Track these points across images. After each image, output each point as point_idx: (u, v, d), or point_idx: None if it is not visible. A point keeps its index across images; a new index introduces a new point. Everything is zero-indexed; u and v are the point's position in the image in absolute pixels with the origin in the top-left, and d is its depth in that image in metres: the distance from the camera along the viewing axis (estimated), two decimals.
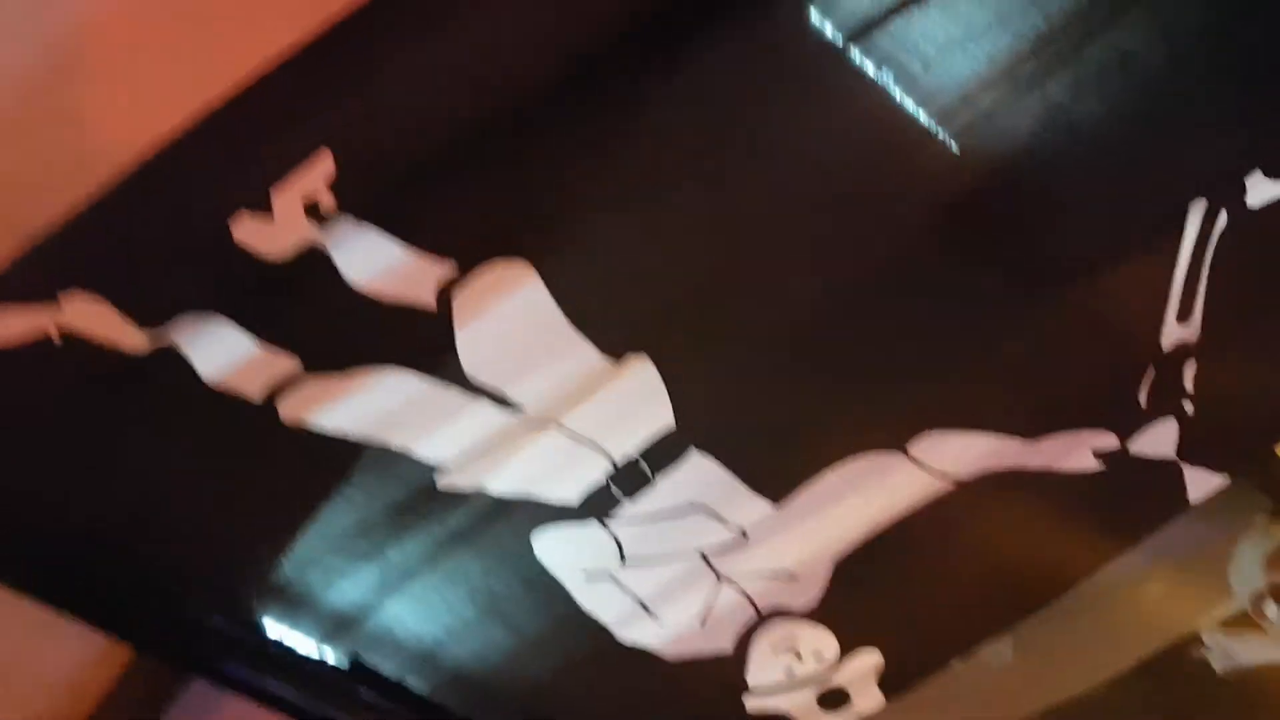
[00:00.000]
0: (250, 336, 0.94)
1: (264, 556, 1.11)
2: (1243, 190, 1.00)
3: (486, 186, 0.94)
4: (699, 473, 1.13)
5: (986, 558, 1.18)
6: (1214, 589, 1.38)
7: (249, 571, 1.12)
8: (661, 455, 1.13)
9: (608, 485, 1.12)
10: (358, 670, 1.20)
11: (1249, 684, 1.36)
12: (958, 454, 1.11)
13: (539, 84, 0.89)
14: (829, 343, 1.07)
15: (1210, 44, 0.97)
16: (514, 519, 1.10)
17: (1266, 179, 0.99)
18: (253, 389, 0.97)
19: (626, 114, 0.94)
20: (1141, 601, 1.49)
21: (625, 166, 0.97)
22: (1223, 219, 1.01)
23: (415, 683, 1.22)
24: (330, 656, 1.19)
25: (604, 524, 1.13)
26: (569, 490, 1.11)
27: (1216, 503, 1.51)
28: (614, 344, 1.05)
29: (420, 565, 1.12)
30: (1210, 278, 1.02)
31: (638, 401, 1.10)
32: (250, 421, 0.98)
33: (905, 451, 1.11)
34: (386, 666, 1.21)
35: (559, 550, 1.13)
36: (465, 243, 0.94)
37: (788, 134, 0.97)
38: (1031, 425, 1.09)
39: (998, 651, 1.53)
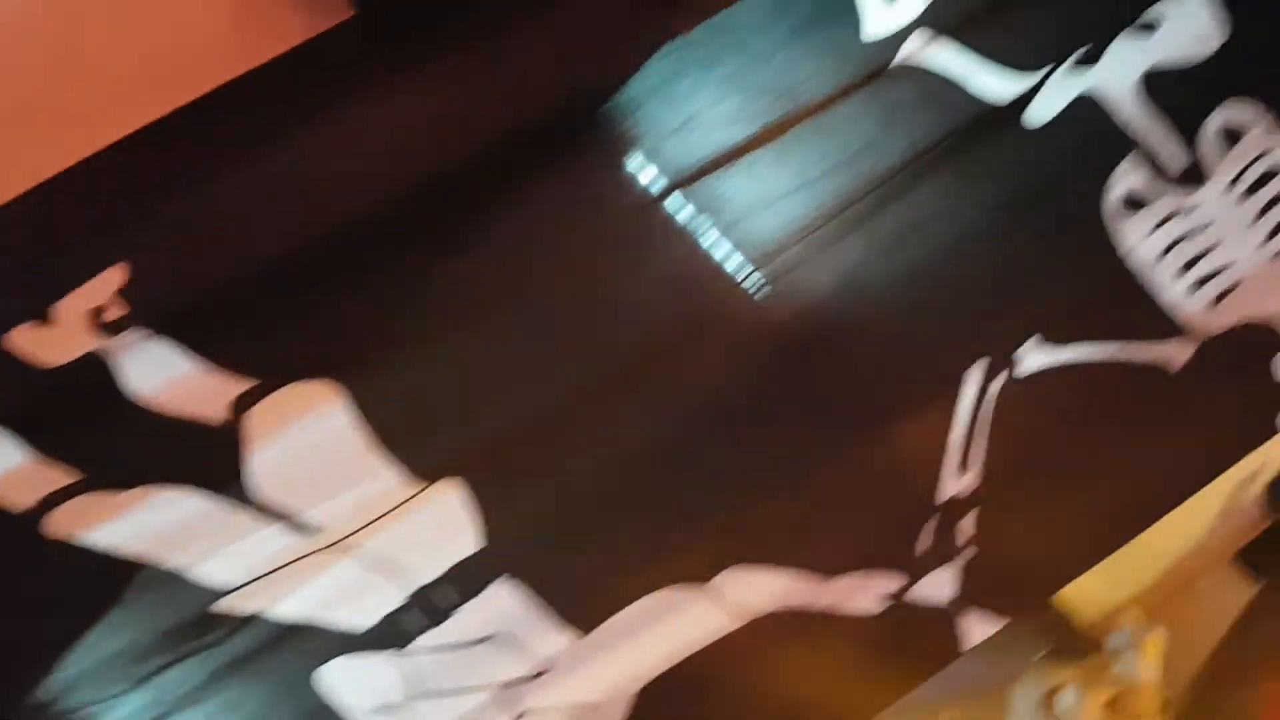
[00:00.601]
0: (23, 446, 0.89)
1: (29, 677, 1.02)
2: (1020, 353, 1.08)
3: (295, 308, 0.93)
4: (504, 601, 1.12)
5: (778, 693, 1.19)
6: None
7: (12, 693, 1.04)
8: (467, 582, 1.11)
9: (406, 612, 1.09)
10: None
11: None
12: (756, 589, 1.13)
13: (356, 219, 0.90)
14: (640, 476, 1.09)
15: (995, 219, 1.06)
16: (301, 647, 1.05)
17: (1043, 345, 1.07)
18: (21, 500, 0.91)
19: (445, 248, 0.95)
20: None
21: (442, 297, 0.98)
22: (1001, 379, 1.08)
23: None
24: None
25: (400, 653, 1.10)
26: (364, 617, 1.07)
27: (997, 642, 1.58)
28: (423, 468, 1.04)
29: (197, 692, 1.06)
30: (989, 433, 1.09)
31: (444, 526, 1.08)
32: (14, 533, 0.92)
33: (708, 585, 1.13)
34: None
35: (348, 681, 1.09)
36: (267, 361, 0.92)
37: (603, 275, 1.00)
38: (825, 564, 1.12)
39: None
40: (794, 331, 1.06)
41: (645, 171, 0.98)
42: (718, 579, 1.12)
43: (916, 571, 1.13)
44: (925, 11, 0.97)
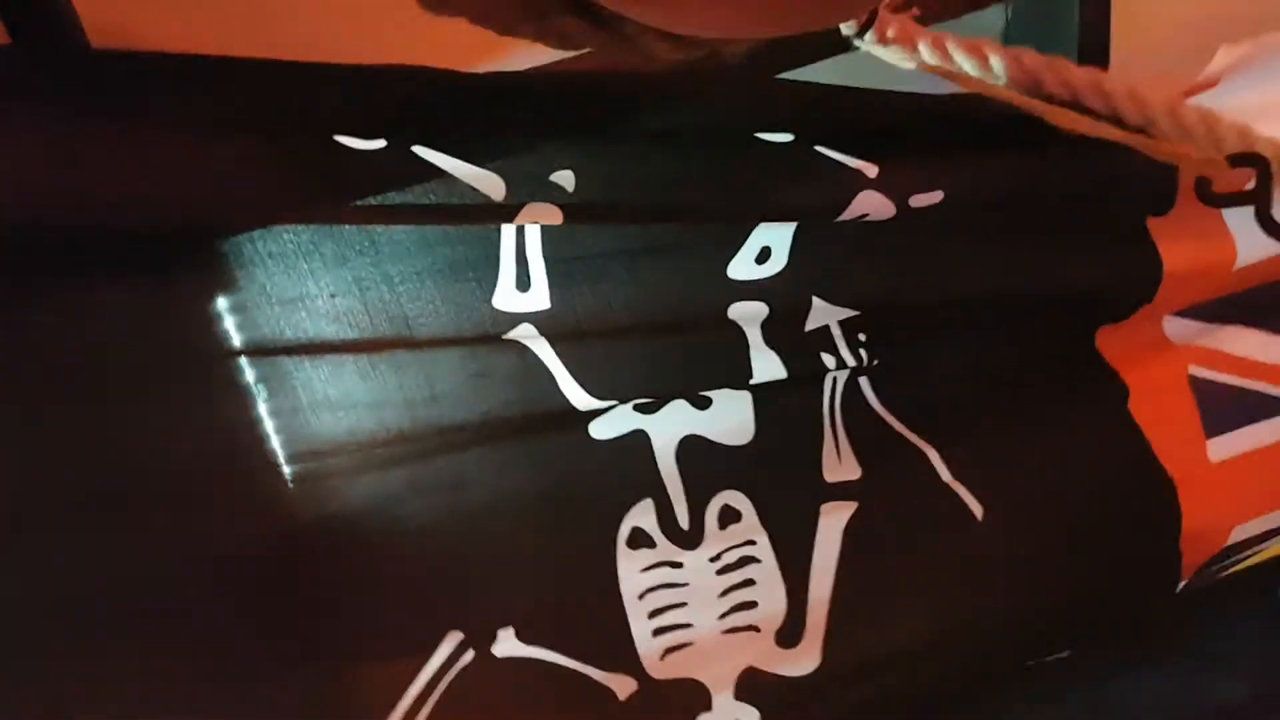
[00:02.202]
0: None
1: None
2: (494, 639, 1.12)
3: None
4: None
5: None
6: None
7: None
8: None
9: None
10: None
11: None
12: None
13: None
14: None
15: (527, 506, 1.13)
16: None
17: (516, 639, 1.12)
18: None
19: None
20: None
21: None
22: (468, 657, 1.11)
23: None
24: None
25: None
26: None
27: None
28: None
29: None
30: (437, 706, 1.10)
31: None
32: None
33: None
34: None
35: None
36: None
37: (153, 417, 0.94)
38: None
39: None
40: (302, 536, 1.04)
41: (232, 323, 0.95)
42: None
43: None
44: (543, 315, 1.05)
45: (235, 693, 1.03)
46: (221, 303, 0.93)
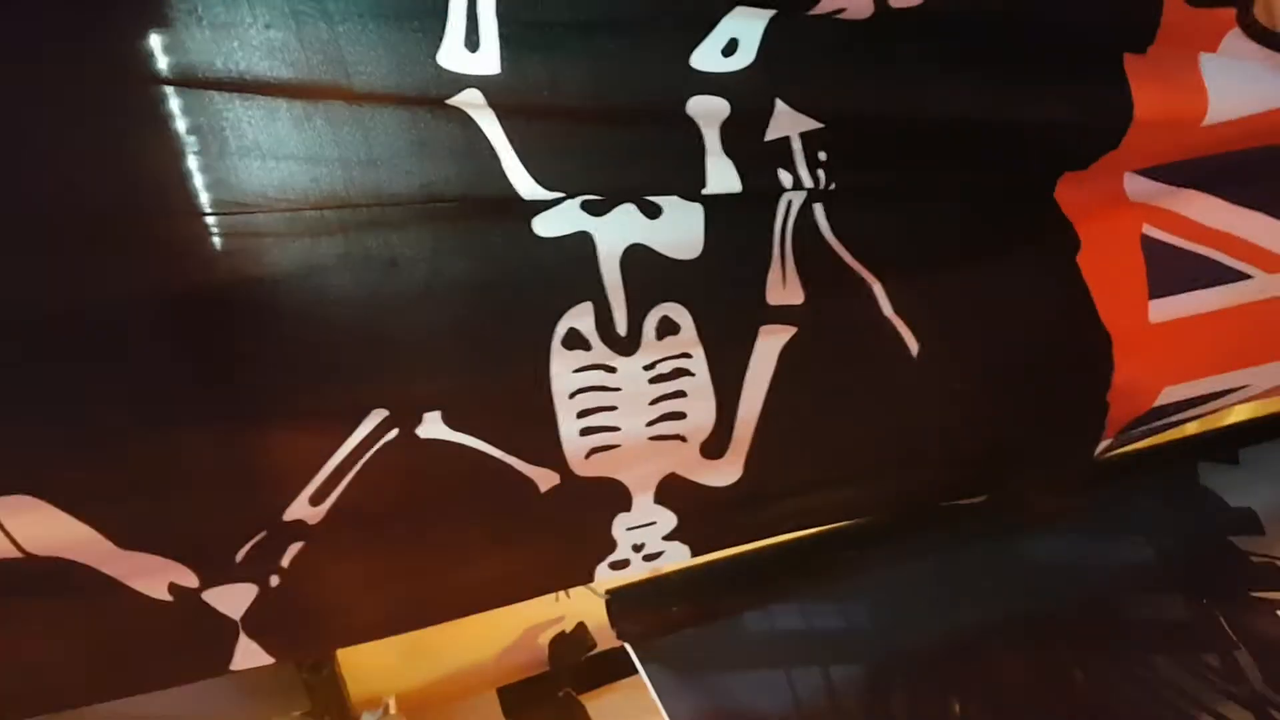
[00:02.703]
0: None
1: None
2: (419, 420, 1.11)
3: None
4: None
5: (33, 640, 1.06)
6: None
7: None
8: None
9: None
10: None
11: None
12: (49, 528, 1.01)
13: None
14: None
15: (460, 292, 1.10)
16: None
17: (442, 422, 1.11)
18: None
19: None
20: None
21: None
22: (392, 434, 1.10)
23: None
24: None
25: None
26: None
27: (264, 677, 1.55)
28: None
29: None
30: (357, 478, 1.09)
31: None
32: None
33: None
34: None
35: None
36: None
37: (75, 146, 0.90)
38: (127, 535, 1.03)
39: None
40: (230, 293, 1.01)
41: (159, 44, 0.89)
42: (5, 500, 0.98)
43: (217, 578, 1.08)
44: (491, 81, 1.00)
45: (161, 433, 1.01)
46: (149, 21, 0.86)
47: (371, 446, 1.09)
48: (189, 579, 1.07)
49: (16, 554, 1.01)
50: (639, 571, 1.27)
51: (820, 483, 1.27)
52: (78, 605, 1.06)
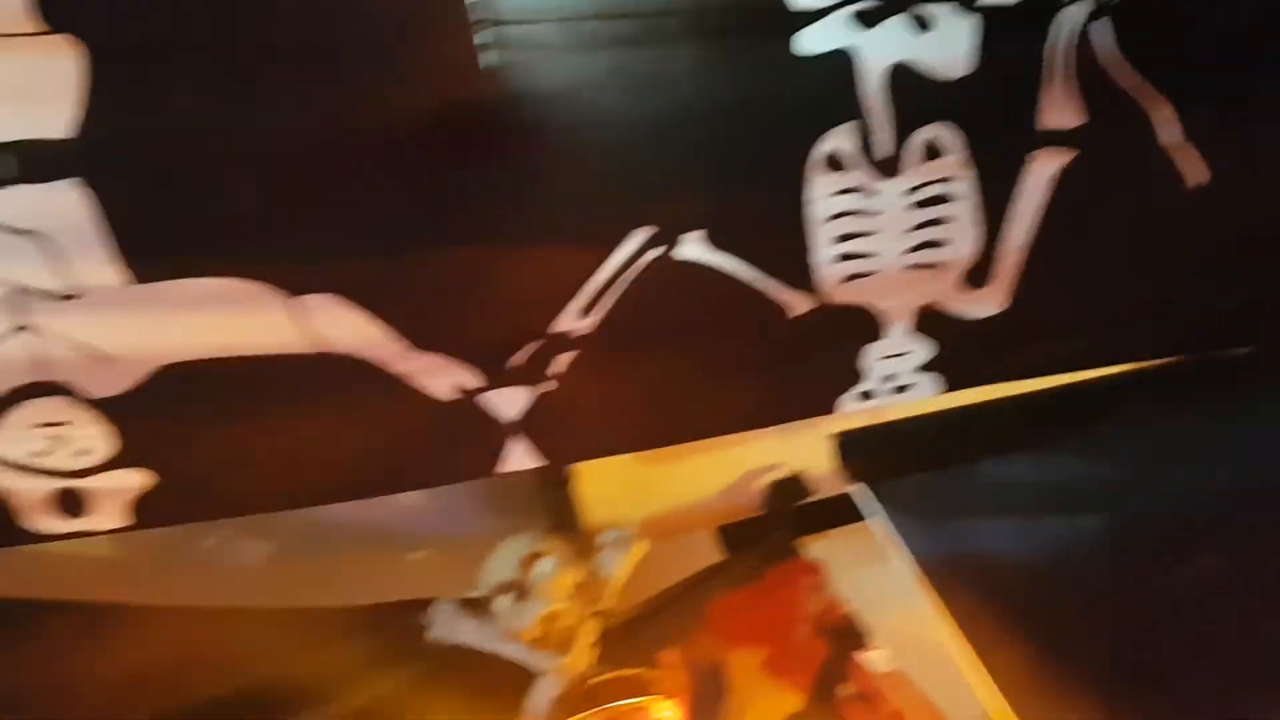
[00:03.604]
0: None
1: None
2: (680, 240, 1.12)
3: None
4: (69, 204, 0.98)
5: (312, 432, 1.14)
6: (468, 574, 1.48)
7: None
8: (37, 161, 0.96)
9: None
10: None
11: (446, 657, 1.44)
12: (344, 327, 1.08)
13: None
14: (298, 160, 1.02)
15: (723, 112, 1.10)
16: None
17: (704, 242, 1.13)
18: None
19: None
20: (404, 558, 1.56)
21: None
22: (658, 252, 1.12)
23: None
24: None
25: None
26: None
27: (508, 492, 1.63)
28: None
29: None
30: (625, 293, 1.13)
31: (42, 86, 0.94)
32: None
33: (296, 299, 1.06)
34: None
35: None
36: None
37: None
38: (421, 335, 1.10)
39: (255, 547, 1.51)
40: (504, 109, 1.04)
41: None
42: (310, 299, 1.06)
43: (498, 381, 1.14)
44: None
45: (445, 244, 1.07)
46: None
47: (635, 263, 1.12)
48: (472, 380, 1.13)
49: (312, 350, 1.09)
50: (886, 403, 1.27)
51: (1085, 323, 1.23)
52: (363, 402, 1.13)
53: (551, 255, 1.11)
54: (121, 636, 1.26)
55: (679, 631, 1.41)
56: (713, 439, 1.32)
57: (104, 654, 1.24)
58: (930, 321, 1.21)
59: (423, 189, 1.05)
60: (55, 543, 1.13)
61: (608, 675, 1.30)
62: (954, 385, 1.25)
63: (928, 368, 1.23)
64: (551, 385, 1.15)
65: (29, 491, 1.10)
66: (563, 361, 1.15)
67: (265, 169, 1.02)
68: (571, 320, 1.13)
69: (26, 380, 1.04)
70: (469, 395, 1.14)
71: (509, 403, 1.15)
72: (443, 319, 1.10)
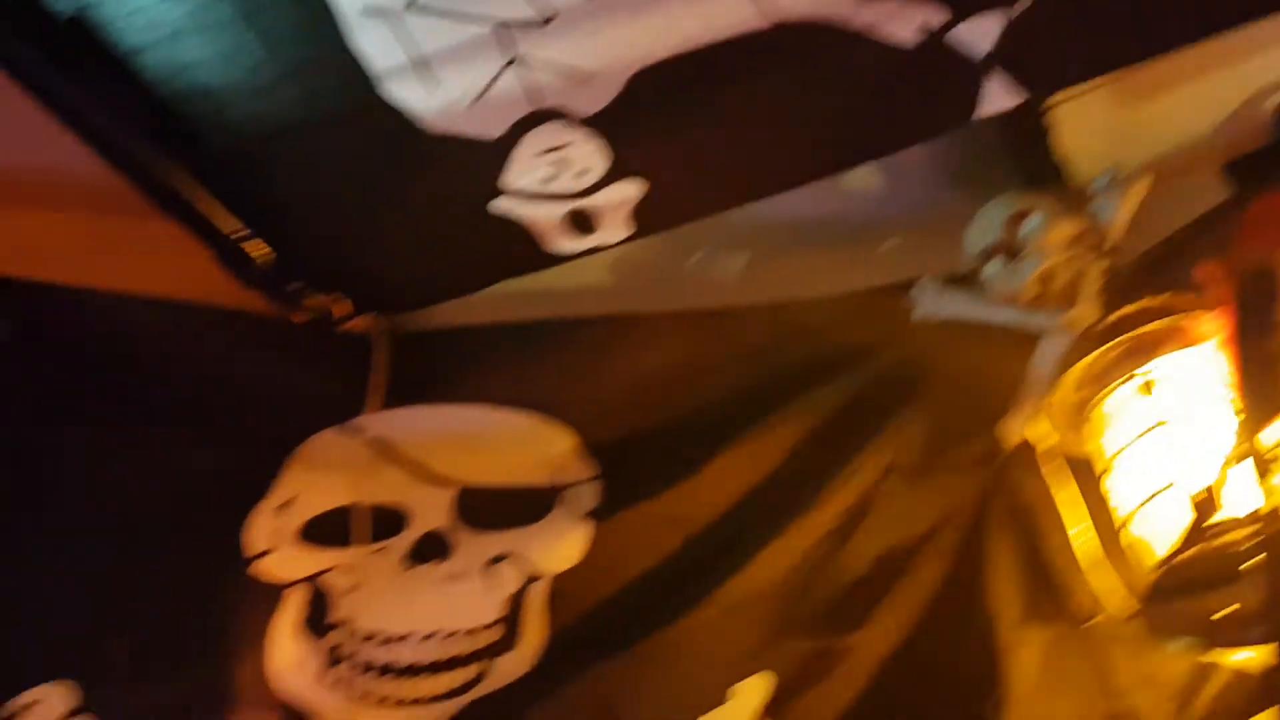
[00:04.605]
0: None
1: None
2: None
3: None
4: None
5: (778, 114, 1.15)
6: (947, 250, 1.44)
7: None
8: None
9: None
10: (84, 32, 1.04)
11: (935, 333, 1.42)
12: None
13: None
14: None
15: None
16: None
17: None
18: None
19: None
20: (877, 249, 1.55)
21: None
22: None
23: (143, 65, 1.07)
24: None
25: None
26: None
27: (974, 172, 1.54)
28: None
29: None
30: None
31: None
32: None
33: None
34: (118, 39, 1.06)
35: None
36: None
37: None
38: None
39: (734, 257, 1.57)
40: None
41: None
42: None
43: (965, 11, 1.06)
44: None
45: None
46: None
47: None
48: (933, 19, 1.05)
49: (770, 23, 1.06)
50: None
51: None
52: (830, 68, 1.10)
53: None
54: (637, 340, 1.37)
55: (1207, 256, 1.27)
56: (1205, 58, 1.14)
57: (625, 357, 1.36)
58: None
59: None
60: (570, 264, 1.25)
61: (1130, 307, 1.22)
62: None
63: None
64: (1025, 4, 1.04)
65: (546, 217, 1.21)
66: None
67: None
68: None
69: (526, 111, 1.13)
70: (937, 35, 1.07)
71: (981, 35, 1.07)
72: None
